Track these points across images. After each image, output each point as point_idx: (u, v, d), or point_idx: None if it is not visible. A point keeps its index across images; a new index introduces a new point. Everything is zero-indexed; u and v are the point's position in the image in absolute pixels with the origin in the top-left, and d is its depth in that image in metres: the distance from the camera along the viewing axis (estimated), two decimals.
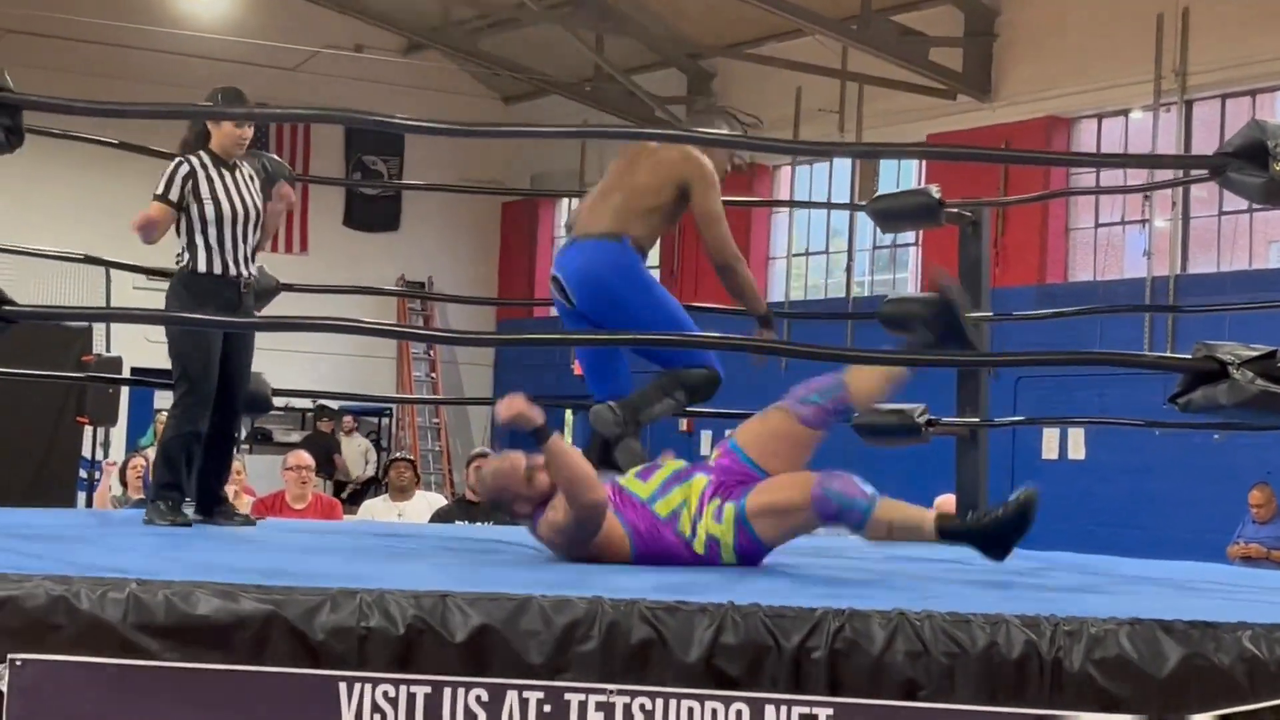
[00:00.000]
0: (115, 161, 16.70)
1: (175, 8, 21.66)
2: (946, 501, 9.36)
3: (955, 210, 6.81)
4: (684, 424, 21.06)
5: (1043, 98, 17.58)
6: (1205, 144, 16.37)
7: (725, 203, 5.90)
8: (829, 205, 20.56)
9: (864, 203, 7.22)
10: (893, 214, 7.32)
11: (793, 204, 21.73)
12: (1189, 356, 3.69)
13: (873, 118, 19.14)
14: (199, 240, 6.11)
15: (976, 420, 6.83)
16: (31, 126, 3.56)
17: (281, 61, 21.67)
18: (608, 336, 4.58)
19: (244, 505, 10.33)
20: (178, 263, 6.17)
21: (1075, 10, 17.46)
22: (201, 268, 6.08)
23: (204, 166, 6.16)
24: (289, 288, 7.22)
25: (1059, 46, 17.53)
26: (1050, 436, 16.65)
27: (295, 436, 22.18)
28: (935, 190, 6.73)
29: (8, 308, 3.02)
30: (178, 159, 6.19)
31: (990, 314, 6.65)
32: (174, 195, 6.10)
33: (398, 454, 11.12)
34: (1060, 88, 17.45)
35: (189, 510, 6.14)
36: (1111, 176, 17.06)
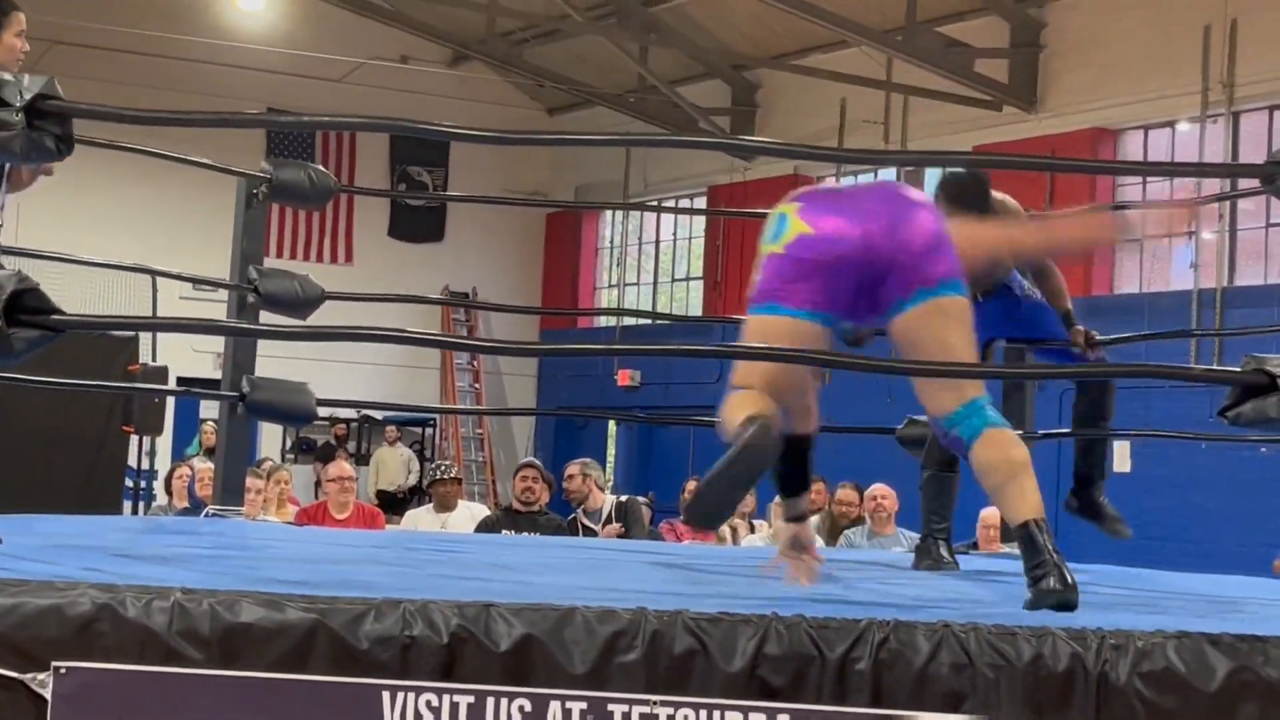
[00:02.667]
0: (161, 173, 16.86)
1: (223, 20, 21.79)
2: (991, 515, 9.34)
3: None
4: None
5: (1089, 109, 17.52)
6: (1252, 156, 16.28)
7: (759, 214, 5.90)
8: None
9: None
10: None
11: None
12: (1238, 370, 3.67)
13: (917, 129, 19.10)
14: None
15: (1021, 433, 6.79)
16: (80, 136, 3.58)
17: (328, 73, 21.78)
18: (659, 348, 4.54)
19: (288, 514, 10.39)
20: None
21: (1122, 21, 17.39)
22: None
23: None
24: (333, 296, 7.24)
25: (1105, 58, 17.47)
26: None
27: (320, 444, 22.38)
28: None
29: (56, 317, 3.03)
30: None
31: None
32: None
33: (443, 473, 11.11)
34: (1106, 99, 17.39)
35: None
36: (1157, 188, 17.04)
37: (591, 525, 10.20)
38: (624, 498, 10.53)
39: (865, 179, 20.62)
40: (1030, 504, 4.12)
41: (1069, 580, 3.98)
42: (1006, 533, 6.99)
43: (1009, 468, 4.17)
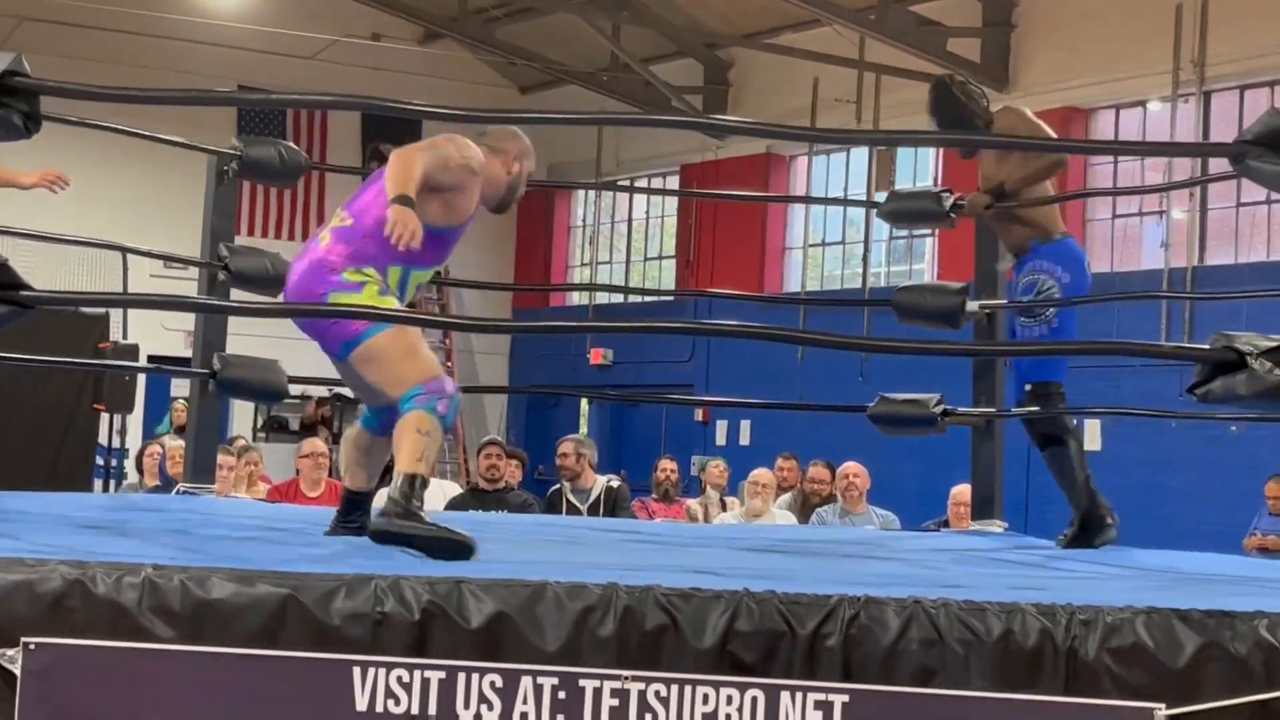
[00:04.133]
0: (131, 150, 16.78)
1: None
2: (962, 492, 9.37)
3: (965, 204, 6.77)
4: (700, 414, 21.10)
5: (1060, 89, 17.53)
6: (1223, 136, 16.31)
7: (743, 197, 5.97)
8: (844, 202, 20.54)
9: (880, 194, 7.29)
10: (903, 214, 7.34)
11: (808, 200, 21.68)
12: (1207, 347, 3.68)
13: (890, 108, 19.10)
14: None
15: (992, 411, 6.81)
16: (48, 114, 3.56)
17: (299, 50, 21.68)
18: (631, 325, 4.56)
19: (260, 493, 10.37)
20: None
21: (1093, 1, 17.41)
22: None
23: None
24: None
25: (1077, 37, 17.48)
26: None
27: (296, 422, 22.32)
28: (946, 195, 6.75)
29: (25, 293, 3.02)
30: None
31: (1006, 302, 6.62)
32: None
33: None
34: (1078, 79, 17.40)
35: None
36: (1129, 168, 17.08)
37: (578, 504, 10.17)
38: (615, 483, 10.48)
39: (838, 157, 20.64)
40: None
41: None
42: (977, 510, 7.01)
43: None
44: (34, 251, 8.60)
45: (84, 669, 3.15)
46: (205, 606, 3.24)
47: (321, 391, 21.70)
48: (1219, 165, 6.49)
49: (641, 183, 22.95)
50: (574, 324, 4.43)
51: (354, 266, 4.66)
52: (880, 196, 8.33)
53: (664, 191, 22.03)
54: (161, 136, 7.11)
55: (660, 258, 23.44)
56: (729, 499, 11.90)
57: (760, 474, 10.99)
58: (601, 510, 10.05)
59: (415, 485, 4.53)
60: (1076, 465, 6.26)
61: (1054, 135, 6.37)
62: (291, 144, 7.20)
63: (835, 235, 21.11)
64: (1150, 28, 16.80)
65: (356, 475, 5.08)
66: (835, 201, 21.33)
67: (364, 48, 22.48)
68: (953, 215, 6.71)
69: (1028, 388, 6.22)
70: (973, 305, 6.60)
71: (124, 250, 7.72)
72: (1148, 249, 17.52)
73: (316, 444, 10.61)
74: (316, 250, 4.70)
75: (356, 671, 3.22)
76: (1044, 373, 6.23)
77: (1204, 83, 16.65)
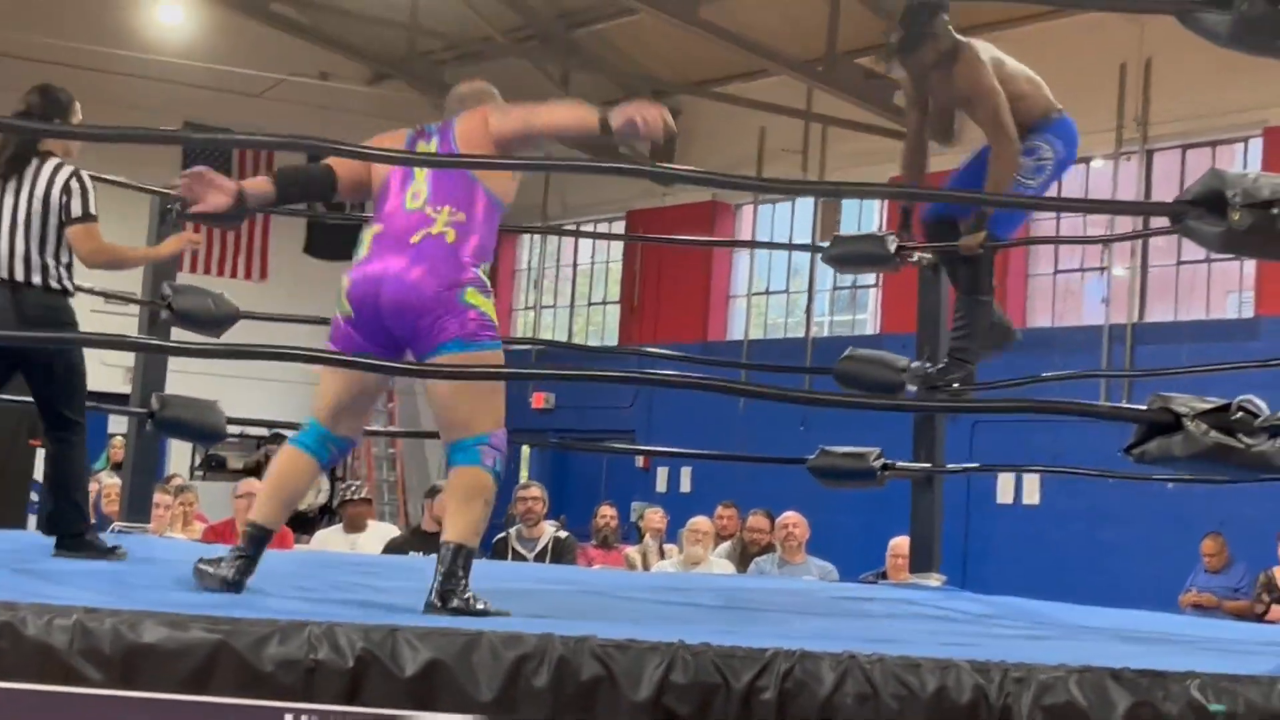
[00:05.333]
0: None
1: (142, 32, 21.61)
2: (900, 544, 9.39)
3: (914, 258, 6.86)
4: (641, 460, 21.09)
5: None
6: (1165, 194, 16.48)
7: (688, 242, 6.03)
8: (789, 246, 20.61)
9: (824, 243, 7.35)
10: (848, 259, 7.39)
11: (753, 244, 21.79)
12: (1144, 408, 3.71)
13: (836, 159, 19.22)
14: (66, 256, 5.76)
15: (931, 466, 6.84)
16: None
17: (247, 88, 21.64)
18: (573, 374, 4.58)
19: (196, 532, 10.29)
20: (58, 282, 5.71)
21: (1038, 57, 17.41)
22: (70, 285, 5.76)
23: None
24: (248, 316, 7.20)
25: None
26: (1006, 480, 16.71)
27: (243, 463, 22.12)
28: (891, 239, 6.83)
29: None
30: (79, 171, 5.76)
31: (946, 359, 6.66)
32: (95, 209, 5.74)
33: (353, 494, 11.03)
34: None
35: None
36: (1072, 224, 17.21)
37: (524, 552, 10.08)
38: (563, 534, 10.40)
39: (784, 206, 20.73)
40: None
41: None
42: (916, 562, 7.03)
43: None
44: None
45: (11, 713, 3.12)
46: (137, 651, 3.21)
47: (261, 432, 21.61)
48: (1161, 224, 6.62)
49: (588, 227, 22.98)
50: (512, 370, 4.39)
51: (480, 263, 4.56)
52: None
53: (609, 236, 22.08)
54: (105, 176, 7.07)
55: (605, 303, 23.47)
56: (668, 546, 11.88)
57: (699, 522, 10.98)
58: (548, 560, 9.99)
59: (470, 562, 4.37)
60: (981, 321, 6.60)
61: (993, 82, 6.59)
62: None
63: (779, 284, 21.19)
64: (1094, 86, 16.96)
65: (275, 508, 4.63)
66: (780, 246, 21.41)
67: (312, 87, 22.47)
68: (897, 259, 6.82)
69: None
70: (911, 386, 6.65)
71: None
72: (1089, 304, 17.66)
73: (253, 484, 10.52)
74: (442, 243, 4.48)
75: (289, 719, 3.19)
76: (993, 227, 6.64)
77: (1147, 141, 16.83)
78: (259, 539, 4.54)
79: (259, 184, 4.76)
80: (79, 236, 5.67)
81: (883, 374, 6.71)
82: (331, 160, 4.83)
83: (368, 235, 4.62)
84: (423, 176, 4.58)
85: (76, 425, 5.86)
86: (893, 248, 6.80)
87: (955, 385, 6.40)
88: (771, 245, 21.44)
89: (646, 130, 4.48)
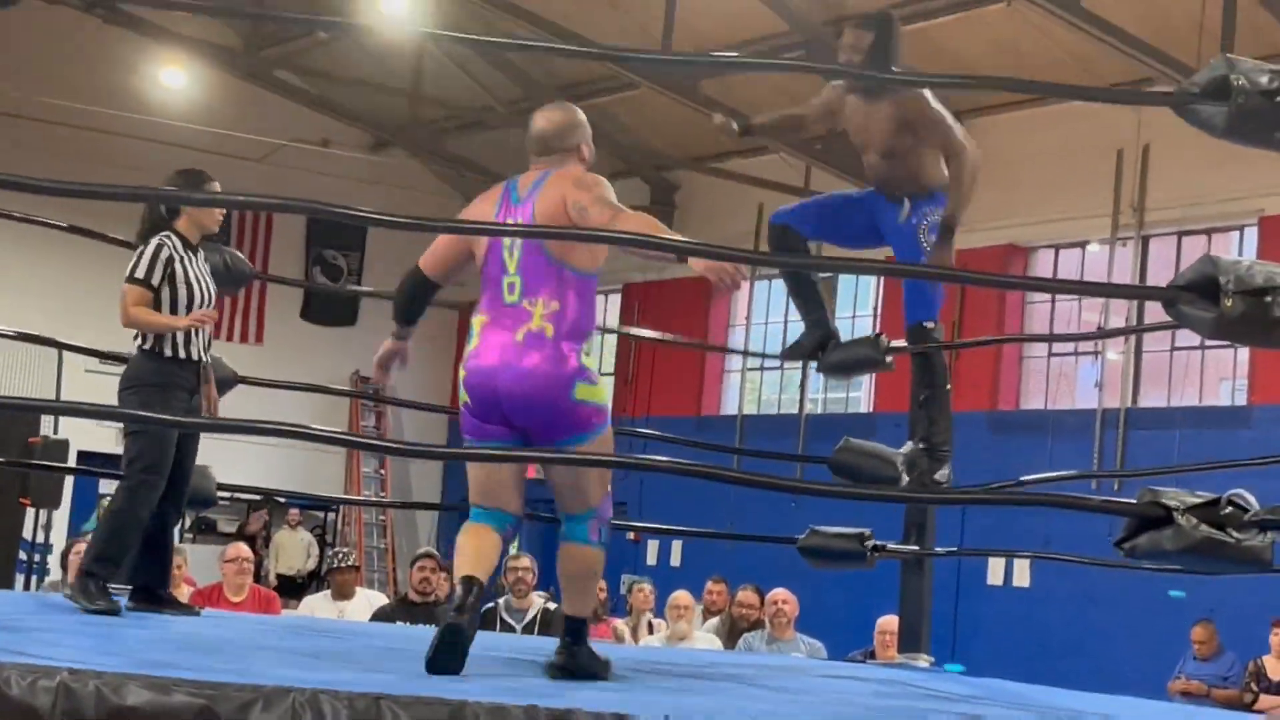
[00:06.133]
0: (73, 244, 16.71)
1: (146, 94, 21.72)
2: (889, 622, 9.37)
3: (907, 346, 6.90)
4: (631, 534, 21.05)
5: (1002, 226, 17.74)
6: (1160, 279, 16.52)
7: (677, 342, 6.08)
8: (784, 322, 20.65)
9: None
10: (843, 366, 7.37)
11: (748, 322, 21.81)
12: (1134, 501, 3.71)
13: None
14: None
15: (921, 549, 6.83)
16: None
17: (248, 152, 21.73)
18: (563, 457, 4.59)
19: (184, 595, 10.25)
20: (139, 344, 6.08)
21: (1037, 141, 17.66)
22: (167, 351, 6.03)
23: (176, 250, 6.11)
24: (245, 381, 7.20)
25: (1020, 177, 17.72)
26: (996, 562, 16.68)
27: (236, 527, 22.09)
28: (884, 341, 6.91)
29: None
30: (157, 241, 6.09)
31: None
32: (155, 279, 6.04)
33: (341, 561, 11.00)
34: (1019, 217, 17.63)
35: (122, 596, 6.05)
36: (1067, 306, 17.27)
37: (513, 623, 10.02)
38: (551, 605, 10.34)
39: (780, 282, 20.78)
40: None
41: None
42: (904, 642, 7.00)
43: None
44: None
45: None
46: (120, 713, 3.20)
47: (252, 497, 21.58)
48: (1154, 308, 6.63)
49: None
50: (504, 453, 4.43)
51: (582, 349, 4.77)
52: None
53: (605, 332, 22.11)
54: (106, 234, 7.10)
55: (600, 374, 23.47)
56: (656, 620, 11.85)
57: (680, 596, 10.93)
58: (536, 631, 9.94)
59: (586, 630, 4.90)
60: (942, 410, 6.75)
61: (948, 120, 6.60)
62: (237, 252, 7.20)
63: (774, 360, 21.19)
64: (1092, 171, 17.06)
65: (483, 566, 4.72)
66: (777, 321, 21.41)
67: (313, 153, 22.57)
68: (890, 360, 6.89)
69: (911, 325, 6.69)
70: (905, 479, 6.65)
71: (60, 346, 7.68)
72: (1082, 388, 17.68)
73: (241, 549, 10.52)
74: (543, 339, 4.70)
75: None
76: (919, 313, 6.69)
77: (1143, 227, 16.90)
78: (479, 593, 4.65)
79: (396, 329, 5.32)
80: (121, 296, 6.04)
81: (877, 468, 6.71)
82: (422, 263, 5.14)
83: (477, 324, 4.84)
84: (515, 266, 4.78)
85: (122, 480, 6.04)
86: (884, 352, 6.90)
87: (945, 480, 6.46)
88: (767, 323, 21.47)
89: (719, 285, 4.73)
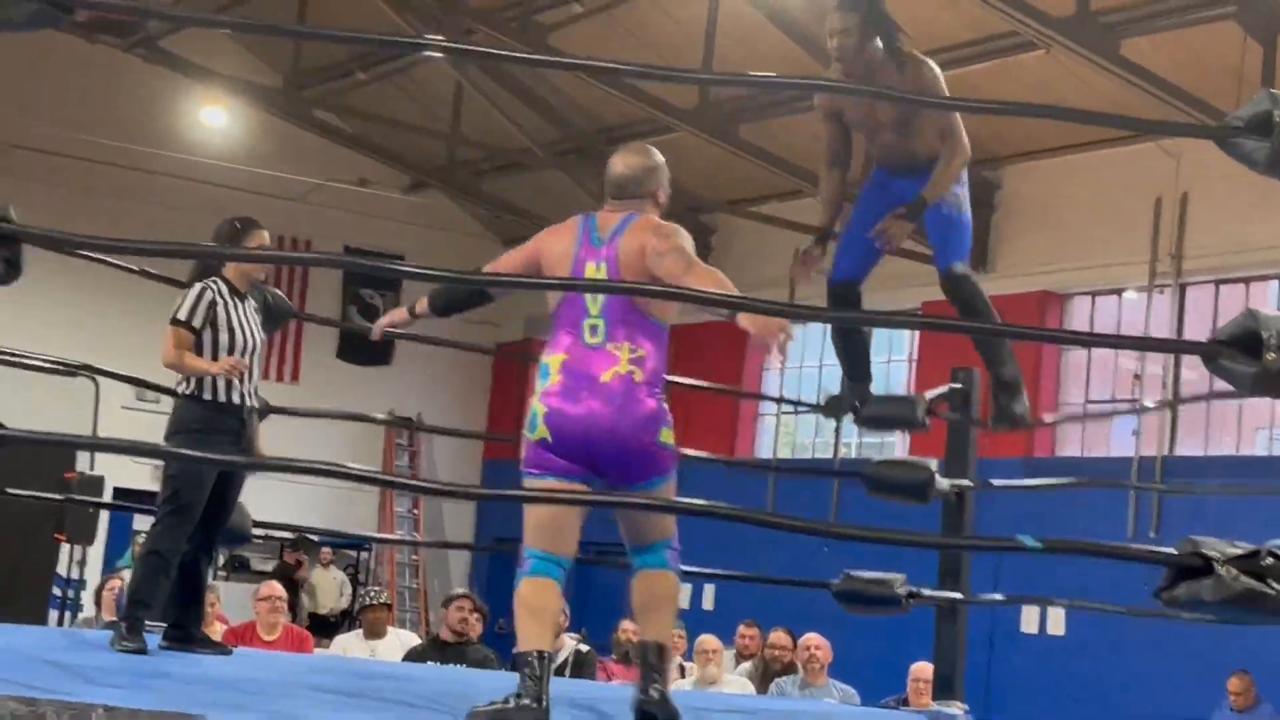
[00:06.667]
0: (110, 282, 16.85)
1: (187, 133, 21.87)
2: (923, 669, 9.32)
3: (943, 393, 6.90)
4: None
5: (1038, 272, 17.71)
6: (1198, 327, 16.47)
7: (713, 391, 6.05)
8: (819, 366, 20.62)
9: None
10: (879, 420, 7.35)
11: (783, 366, 21.78)
12: (1174, 551, 3.69)
13: (869, 281, 19.18)
14: None
15: (957, 596, 6.79)
16: (32, 250, 3.56)
17: (287, 191, 21.84)
18: (589, 498, 4.59)
19: (216, 633, 10.25)
20: (181, 387, 6.14)
21: (1074, 188, 17.64)
22: (207, 395, 6.08)
23: (221, 295, 6.19)
24: (277, 411, 7.22)
25: (1057, 223, 17.70)
26: (1030, 610, 16.57)
27: (272, 566, 22.09)
28: (920, 402, 6.90)
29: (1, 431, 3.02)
30: (201, 285, 6.20)
31: (975, 482, 6.64)
32: (196, 322, 6.11)
33: (373, 598, 11.01)
34: (1056, 264, 17.59)
35: (156, 634, 6.08)
36: (1103, 354, 17.19)
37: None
38: (583, 647, 10.32)
39: (815, 328, 20.75)
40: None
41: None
42: (938, 690, 6.97)
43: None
44: (5, 376, 8.59)
45: None
46: None
47: (285, 535, 21.60)
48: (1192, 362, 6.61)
49: None
50: (535, 494, 4.44)
51: (662, 390, 4.84)
52: None
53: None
54: (150, 272, 7.15)
55: None
56: (687, 664, 11.80)
57: (707, 640, 10.88)
58: (568, 673, 9.92)
59: (668, 657, 4.85)
60: (998, 343, 6.76)
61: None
62: (278, 290, 7.25)
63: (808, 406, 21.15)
64: (1129, 218, 17.02)
65: (545, 631, 4.71)
66: (812, 366, 21.37)
67: (351, 193, 22.67)
68: (926, 422, 6.87)
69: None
70: (943, 483, 6.61)
71: (98, 373, 7.71)
72: (1118, 436, 17.60)
73: (274, 587, 10.52)
74: (630, 383, 4.76)
75: None
76: (950, 257, 6.82)
77: (1180, 275, 16.83)
78: (548, 664, 4.60)
79: (422, 305, 5.39)
80: (163, 337, 6.16)
81: (910, 475, 6.68)
82: (489, 267, 5.23)
83: (554, 362, 4.88)
84: (598, 309, 4.82)
85: (157, 518, 6.09)
86: (922, 412, 6.88)
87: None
88: (802, 367, 21.45)
89: (762, 344, 4.86)
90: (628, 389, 4.73)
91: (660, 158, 5.19)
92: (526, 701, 4.39)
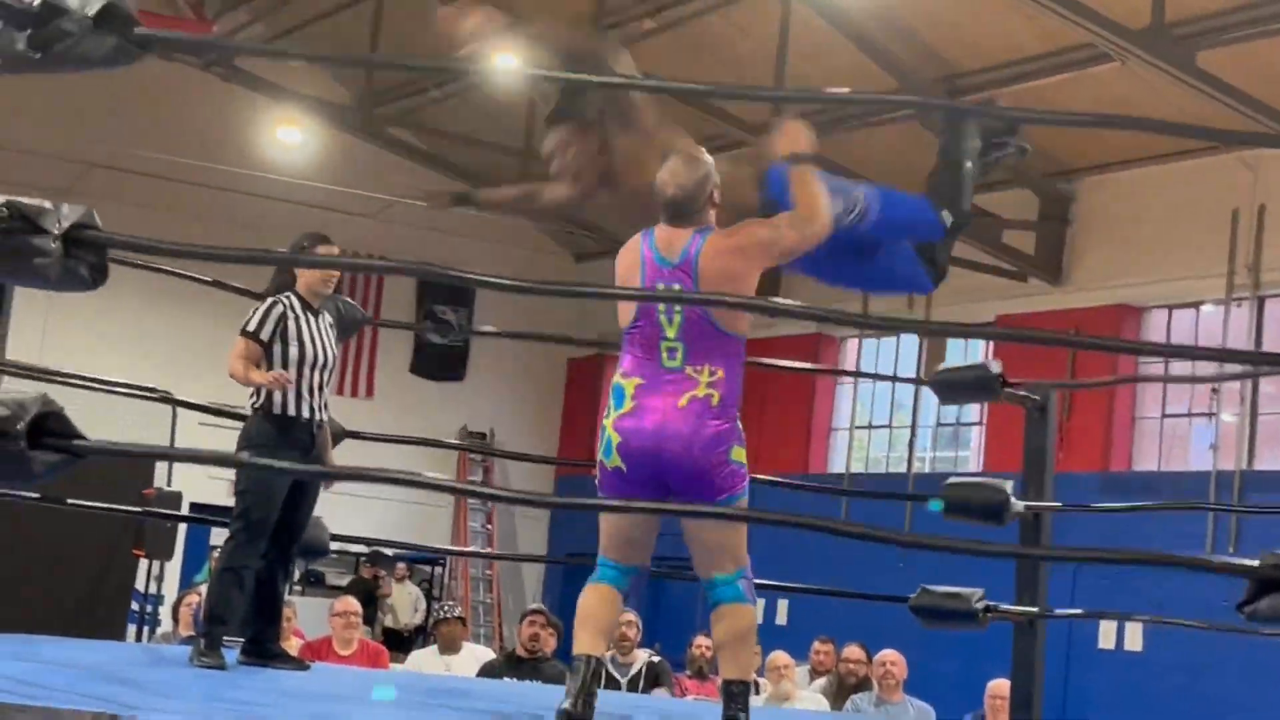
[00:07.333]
0: (188, 297, 17.01)
1: (262, 151, 22.03)
2: (1000, 685, 9.25)
3: (1023, 394, 6.80)
4: None
5: (1114, 285, 17.59)
6: (1277, 341, 16.32)
7: (788, 369, 6.01)
8: (893, 379, 20.56)
9: (926, 378, 7.25)
10: (953, 385, 7.30)
11: (858, 374, 21.74)
12: (1255, 563, 3.63)
13: (942, 295, 18.98)
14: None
15: (1035, 610, 6.74)
16: (124, 260, 3.61)
17: (360, 208, 21.97)
18: (662, 508, 4.55)
19: (292, 648, 10.31)
20: (252, 401, 6.21)
21: (1150, 201, 17.51)
22: (277, 409, 6.13)
23: (293, 309, 6.25)
24: (353, 435, 7.27)
25: (1133, 236, 17.57)
26: (1108, 626, 16.44)
27: (348, 580, 22.18)
28: (995, 365, 6.77)
29: (78, 443, 3.04)
30: (271, 299, 6.28)
31: (1051, 504, 6.59)
32: (264, 334, 6.18)
33: (447, 613, 11.05)
34: (1132, 277, 17.47)
35: (232, 650, 6.12)
36: (1179, 368, 17.05)
37: (618, 677, 10.02)
38: (656, 658, 10.33)
39: (889, 341, 20.69)
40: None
41: None
42: (1016, 708, 6.91)
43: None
44: (82, 393, 8.67)
45: None
46: None
47: (359, 548, 21.70)
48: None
49: None
50: (614, 504, 4.44)
51: (738, 407, 4.81)
52: None
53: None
54: (222, 281, 7.23)
55: None
56: (762, 680, 11.77)
57: (778, 656, 10.83)
58: (641, 686, 9.92)
59: (749, 694, 4.81)
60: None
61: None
62: (349, 299, 7.30)
63: (882, 418, 21.09)
64: (1206, 231, 16.87)
65: (597, 638, 4.79)
66: (884, 378, 21.28)
67: (424, 209, 22.76)
68: (1000, 390, 6.74)
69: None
70: (1018, 505, 6.57)
71: (173, 402, 7.80)
72: (1196, 450, 17.44)
73: (350, 603, 10.57)
74: (708, 406, 4.73)
75: None
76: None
77: (1259, 287, 16.67)
78: (597, 671, 4.72)
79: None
80: (231, 348, 6.25)
81: (986, 496, 6.63)
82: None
83: (629, 386, 4.83)
84: (676, 332, 4.77)
85: (236, 538, 6.12)
86: (997, 370, 6.75)
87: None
88: (876, 376, 21.36)
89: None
90: (703, 411, 4.71)
91: (706, 157, 4.97)
92: (565, 705, 4.48)
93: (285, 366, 6.15)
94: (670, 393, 4.72)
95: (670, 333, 4.76)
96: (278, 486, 6.10)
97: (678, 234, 4.85)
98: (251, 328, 6.20)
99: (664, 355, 4.76)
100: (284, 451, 6.04)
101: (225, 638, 6.02)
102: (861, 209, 5.27)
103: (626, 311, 4.89)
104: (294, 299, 6.27)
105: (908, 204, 5.63)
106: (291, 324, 6.21)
